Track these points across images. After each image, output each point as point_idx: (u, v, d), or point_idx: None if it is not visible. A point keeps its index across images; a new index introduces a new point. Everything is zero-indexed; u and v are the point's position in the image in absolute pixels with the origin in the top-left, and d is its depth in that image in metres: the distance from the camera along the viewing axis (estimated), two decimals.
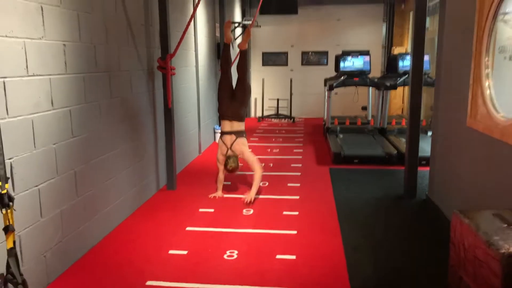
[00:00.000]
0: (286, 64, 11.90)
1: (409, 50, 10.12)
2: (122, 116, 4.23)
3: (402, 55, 8.22)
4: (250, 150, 5.00)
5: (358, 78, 8.06)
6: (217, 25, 8.50)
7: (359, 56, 8.15)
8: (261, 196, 4.98)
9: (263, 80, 11.55)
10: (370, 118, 9.19)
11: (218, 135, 6.67)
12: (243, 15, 11.18)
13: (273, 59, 11.95)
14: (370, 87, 8.89)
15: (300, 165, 6.48)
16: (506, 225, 1.99)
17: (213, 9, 8.21)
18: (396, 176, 5.73)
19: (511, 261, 1.69)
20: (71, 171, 3.34)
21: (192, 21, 6.32)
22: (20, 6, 2.74)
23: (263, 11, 9.41)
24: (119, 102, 4.16)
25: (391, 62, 8.55)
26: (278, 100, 11.47)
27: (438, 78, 4.70)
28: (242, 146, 4.86)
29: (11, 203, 2.47)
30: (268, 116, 11.26)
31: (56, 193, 3.16)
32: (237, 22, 9.84)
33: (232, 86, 5.04)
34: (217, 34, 8.53)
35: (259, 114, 11.56)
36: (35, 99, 2.90)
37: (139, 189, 4.67)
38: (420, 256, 3.45)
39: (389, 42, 11.22)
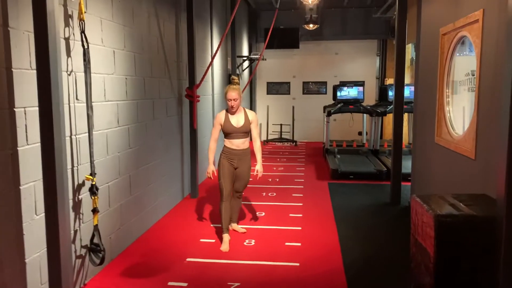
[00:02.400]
0: (289, 93, 13.04)
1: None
2: (160, 134, 5.25)
3: (391, 86, 9.32)
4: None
5: (353, 106, 9.15)
6: (229, 59, 9.65)
7: (353, 87, 9.27)
8: (270, 203, 5.93)
9: (267, 107, 12.67)
10: (364, 141, 10.23)
11: None
12: (250, 49, 12.38)
13: (276, 88, 13.09)
14: (364, 114, 9.96)
15: (302, 180, 7.46)
16: (442, 201, 2.97)
17: (226, 45, 9.37)
18: (384, 189, 6.70)
19: (439, 218, 2.65)
20: (127, 174, 4.33)
21: (210, 55, 7.45)
22: (103, 50, 3.80)
23: (268, 46, 10.57)
24: (158, 123, 5.19)
25: (382, 92, 9.66)
26: (281, 125, 12.54)
27: (415, 106, 5.75)
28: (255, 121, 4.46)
29: (97, 192, 3.47)
30: (273, 140, 12.30)
31: (119, 190, 4.14)
32: (245, 56, 11.01)
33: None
34: (229, 66, 9.66)
35: (264, 138, 12.60)
36: (108, 118, 3.93)
37: (170, 194, 5.64)
38: (397, 243, 4.39)
39: (382, 73, 12.39)
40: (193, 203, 5.98)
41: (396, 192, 5.93)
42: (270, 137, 12.59)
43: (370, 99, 11.70)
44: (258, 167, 4.55)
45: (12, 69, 2.66)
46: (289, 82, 13.01)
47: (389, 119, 11.65)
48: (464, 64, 4.21)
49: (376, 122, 9.05)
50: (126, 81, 4.30)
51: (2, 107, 2.57)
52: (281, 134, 12.51)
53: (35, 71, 2.77)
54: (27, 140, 2.80)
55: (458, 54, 4.36)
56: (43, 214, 2.86)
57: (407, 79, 8.40)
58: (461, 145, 3.91)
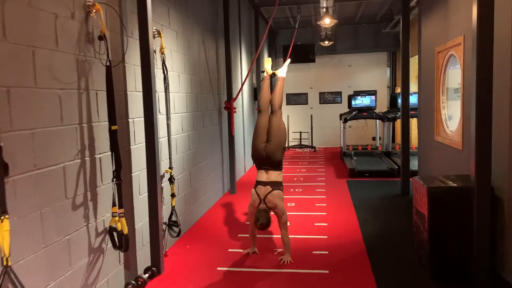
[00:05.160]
0: (307, 103, 14.16)
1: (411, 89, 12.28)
2: (208, 140, 6.41)
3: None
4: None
5: (366, 113, 10.22)
6: (254, 74, 10.82)
7: (366, 96, 10.36)
8: (298, 196, 7.02)
9: (288, 116, 13.79)
10: (378, 144, 11.27)
11: None
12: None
13: (295, 99, 14.22)
14: (377, 120, 11.01)
15: (324, 178, 8.53)
16: (435, 179, 4.03)
17: (250, 61, 10.55)
18: (396, 184, 7.72)
19: (431, 189, 3.72)
20: (188, 171, 5.48)
21: (239, 72, 8.65)
22: (172, 75, 4.97)
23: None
24: (206, 131, 6.35)
25: (392, 99, 10.71)
26: (300, 133, 13.65)
27: (419, 111, 6.80)
28: (277, 200, 4.31)
29: (174, 180, 4.62)
30: (293, 146, 13.40)
31: (183, 183, 5.29)
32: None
33: (267, 129, 4.60)
34: (253, 81, 10.83)
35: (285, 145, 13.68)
36: (176, 126, 5.09)
37: (215, 190, 6.77)
38: (405, 221, 5.42)
39: (393, 83, 13.44)
40: (233, 197, 7.10)
41: (405, 185, 6.96)
42: (290, 144, 13.68)
43: (382, 107, 12.74)
44: (286, 256, 4.32)
45: (127, 92, 3.83)
46: (306, 93, 14.14)
47: (399, 124, 12.67)
48: (457, 76, 5.27)
49: (388, 127, 10.09)
50: (186, 98, 5.47)
51: (122, 118, 3.74)
52: (300, 141, 13.61)
53: (140, 92, 3.95)
54: (135, 141, 3.96)
55: (451, 68, 5.43)
56: (145, 194, 4.02)
57: (415, 88, 9.43)
58: (453, 140, 4.97)
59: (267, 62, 5.17)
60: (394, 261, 4.25)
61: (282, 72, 5.00)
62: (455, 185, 3.78)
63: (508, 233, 3.54)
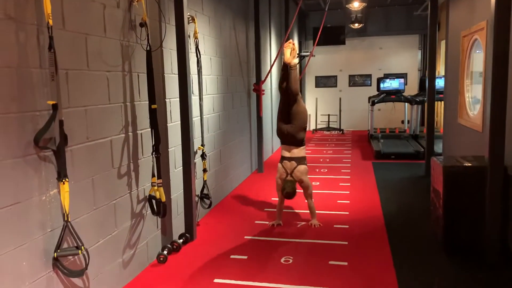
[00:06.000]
0: (336, 86, 14.26)
1: (440, 73, 12.19)
2: (237, 120, 6.75)
3: None
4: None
5: (394, 96, 10.28)
6: (283, 56, 11.01)
7: (395, 79, 10.40)
8: (323, 176, 7.29)
9: (316, 99, 13.96)
10: (406, 127, 11.32)
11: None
12: (300, 47, 13.68)
13: (324, 81, 14.34)
14: (406, 103, 11.05)
15: (349, 160, 8.75)
16: (452, 159, 4.23)
17: (280, 43, 10.75)
18: (421, 166, 7.85)
19: (446, 168, 3.92)
20: (218, 149, 5.85)
21: (268, 55, 8.88)
22: (204, 58, 5.30)
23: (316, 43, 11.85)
24: (236, 112, 6.69)
25: (422, 83, 10.70)
26: (329, 115, 13.79)
27: (445, 94, 6.89)
28: (303, 175, 4.74)
29: (206, 157, 4.99)
30: (321, 129, 13.59)
31: (214, 160, 5.67)
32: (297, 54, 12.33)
33: (288, 112, 4.81)
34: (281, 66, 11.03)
35: (313, 127, 13.91)
36: (208, 107, 5.44)
37: (243, 168, 7.13)
38: (424, 201, 5.61)
39: (424, 66, 13.32)
40: (260, 175, 7.46)
41: (429, 167, 7.08)
42: (318, 126, 13.87)
43: (413, 90, 12.71)
44: (314, 221, 4.87)
45: (164, 74, 4.19)
46: (336, 76, 14.22)
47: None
48: (481, 60, 5.36)
49: (416, 110, 10.14)
50: (217, 80, 5.80)
51: (160, 98, 4.10)
52: (328, 124, 13.77)
53: (175, 75, 4.30)
54: (171, 119, 4.33)
55: (477, 52, 5.52)
56: (180, 168, 4.41)
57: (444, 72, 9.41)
58: (474, 122, 5.11)
59: (286, 46, 4.91)
60: (411, 235, 4.50)
61: (289, 59, 4.84)
62: (470, 164, 3.97)
63: None
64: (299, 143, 4.78)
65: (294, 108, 4.80)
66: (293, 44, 4.99)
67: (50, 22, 2.47)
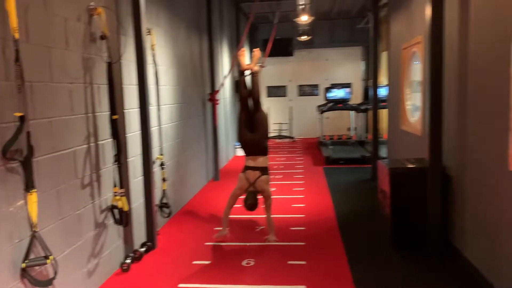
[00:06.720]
0: (286, 96, 14.70)
1: (383, 82, 12.94)
2: (193, 129, 6.86)
3: None
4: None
5: (341, 104, 10.82)
6: (235, 67, 11.26)
7: (341, 88, 10.96)
8: (278, 182, 7.55)
9: (268, 108, 14.30)
10: (352, 134, 11.91)
11: (237, 150, 9.27)
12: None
13: (275, 91, 14.74)
14: (352, 111, 11.64)
15: (302, 166, 9.10)
16: (396, 161, 4.61)
17: (232, 55, 10.99)
18: (367, 170, 8.32)
19: (391, 170, 4.28)
20: (176, 158, 5.94)
21: (221, 66, 9.09)
22: (161, 69, 5.40)
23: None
24: (192, 121, 6.81)
25: (366, 92, 11.34)
26: (280, 124, 14.19)
27: (388, 102, 7.40)
28: (265, 185, 4.69)
29: (164, 166, 5.08)
30: (273, 137, 13.94)
31: (174, 168, 5.75)
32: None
33: (250, 119, 4.85)
34: (235, 74, 11.28)
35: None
36: (166, 117, 5.53)
37: (200, 176, 7.24)
38: (373, 201, 6.01)
39: (367, 76, 14.08)
40: (217, 183, 7.59)
41: (374, 170, 7.55)
42: (271, 135, 14.21)
43: (357, 98, 13.38)
44: (271, 236, 4.69)
45: (123, 85, 4.25)
46: (286, 86, 14.67)
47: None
48: (419, 70, 5.86)
49: (361, 117, 10.73)
50: (174, 90, 5.91)
51: (120, 109, 4.16)
52: (280, 132, 14.15)
53: (134, 86, 4.38)
54: (130, 130, 4.39)
55: (415, 63, 6.01)
56: (139, 178, 4.47)
57: (387, 81, 10.04)
58: (415, 127, 5.57)
59: (240, 55, 5.22)
60: (362, 233, 4.83)
61: (251, 66, 4.97)
62: (413, 165, 4.36)
63: (456, 206, 4.14)
64: (264, 151, 4.78)
65: (257, 116, 4.83)
66: (255, 50, 5.17)
67: (16, 35, 2.52)
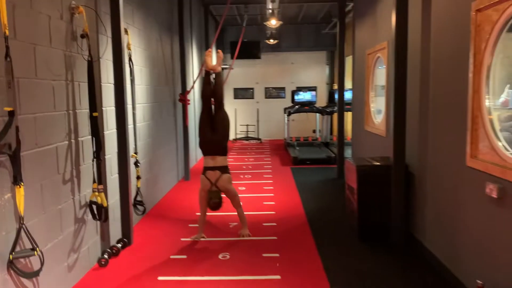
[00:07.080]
0: (253, 98, 14.93)
1: (347, 86, 13.44)
2: (164, 129, 6.94)
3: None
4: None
5: (307, 107, 11.16)
6: (203, 68, 11.36)
7: (307, 91, 11.30)
8: (248, 181, 7.74)
9: (235, 110, 14.49)
10: (318, 136, 12.29)
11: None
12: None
13: (242, 93, 14.94)
14: (317, 114, 12.01)
15: (270, 166, 9.33)
16: (362, 160, 4.91)
17: (201, 56, 11.10)
18: (333, 169, 8.67)
19: (358, 167, 4.57)
20: (148, 157, 6.00)
21: (191, 66, 9.19)
22: (135, 68, 5.47)
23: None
24: (163, 121, 6.88)
25: (331, 95, 11.75)
26: (247, 125, 14.40)
27: (353, 105, 7.76)
28: (228, 184, 4.72)
29: (139, 164, 5.15)
30: (240, 139, 14.12)
31: (147, 167, 5.81)
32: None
33: (211, 119, 4.85)
34: (203, 75, 11.37)
35: (232, 137, 14.40)
36: (139, 116, 5.60)
37: (171, 176, 7.32)
38: (340, 199, 6.31)
39: (331, 80, 14.54)
40: (187, 183, 7.69)
41: (340, 170, 7.90)
42: (238, 136, 14.39)
43: (322, 102, 13.80)
44: (244, 230, 4.87)
45: (101, 84, 4.31)
46: (253, 88, 14.90)
47: (337, 117, 13.84)
48: (383, 75, 6.21)
49: (327, 120, 11.10)
50: (147, 90, 5.98)
51: (98, 107, 4.22)
52: (247, 133, 14.36)
53: (111, 84, 4.45)
54: (108, 127, 4.45)
55: (379, 68, 6.37)
56: (115, 175, 4.53)
57: (350, 85, 10.47)
58: (379, 129, 5.91)
59: (207, 55, 5.22)
60: (330, 228, 5.09)
61: (215, 66, 5.04)
62: (378, 163, 4.66)
63: (418, 201, 4.47)
64: (223, 151, 4.78)
65: (218, 115, 4.83)
66: (219, 51, 5.29)
67: (7, 32, 2.58)
